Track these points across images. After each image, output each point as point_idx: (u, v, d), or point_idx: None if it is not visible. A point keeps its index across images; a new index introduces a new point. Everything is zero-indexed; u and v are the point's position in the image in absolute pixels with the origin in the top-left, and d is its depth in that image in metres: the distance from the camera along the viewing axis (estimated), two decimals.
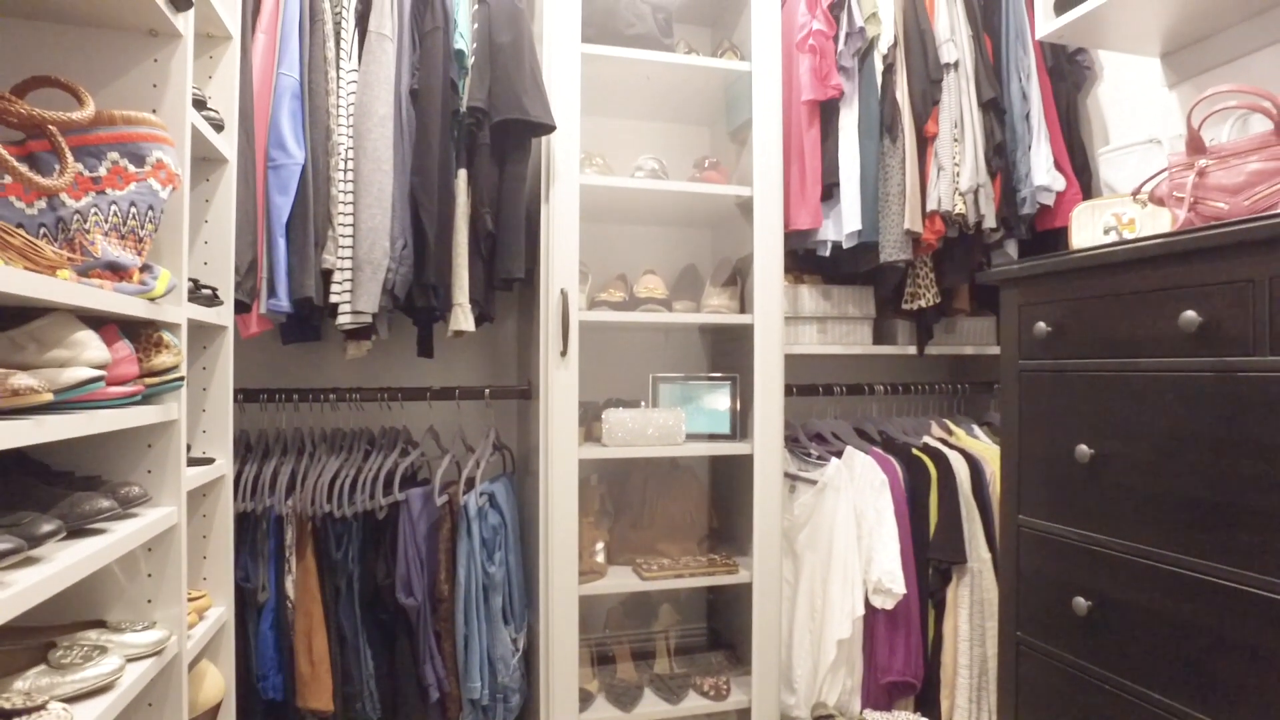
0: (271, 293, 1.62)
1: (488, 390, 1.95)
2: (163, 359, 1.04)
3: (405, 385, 1.96)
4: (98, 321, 0.93)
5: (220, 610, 1.34)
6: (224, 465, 1.37)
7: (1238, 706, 1.07)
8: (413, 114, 1.73)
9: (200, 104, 1.28)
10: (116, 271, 0.96)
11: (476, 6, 1.78)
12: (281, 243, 1.62)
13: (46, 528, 0.74)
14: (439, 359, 2.02)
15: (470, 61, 1.75)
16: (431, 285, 1.73)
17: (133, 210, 1.01)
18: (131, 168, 1.02)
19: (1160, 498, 1.20)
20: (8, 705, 0.73)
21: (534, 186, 1.82)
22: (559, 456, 1.75)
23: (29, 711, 0.73)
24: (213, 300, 1.32)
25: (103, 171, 1.00)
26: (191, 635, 1.18)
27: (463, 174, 1.76)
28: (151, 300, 1.02)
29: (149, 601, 1.10)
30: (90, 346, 0.83)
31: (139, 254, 1.02)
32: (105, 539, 0.89)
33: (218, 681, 1.30)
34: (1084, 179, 2.08)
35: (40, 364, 0.79)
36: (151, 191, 1.03)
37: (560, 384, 1.76)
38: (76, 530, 0.89)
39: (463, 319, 1.75)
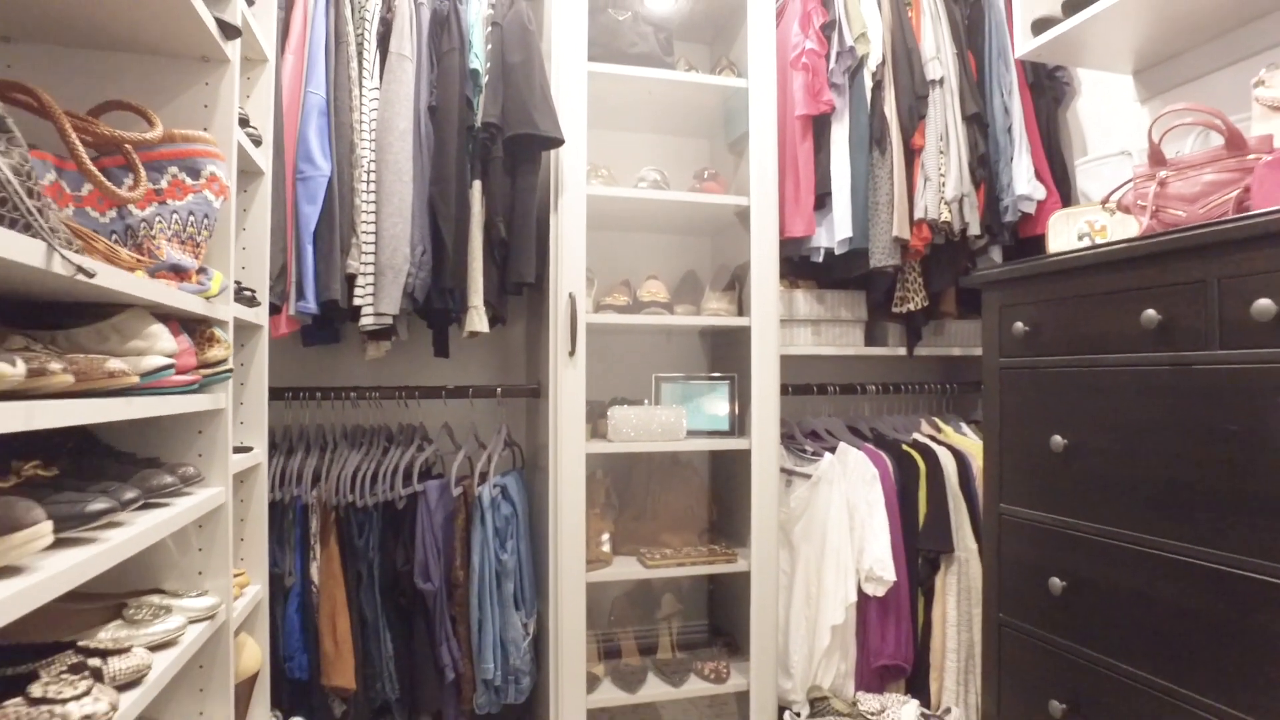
0: (300, 295, 1.72)
1: (500, 389, 2.05)
2: (215, 352, 1.15)
3: (421, 384, 2.06)
4: (162, 317, 1.04)
5: (257, 588, 1.44)
6: (260, 454, 1.47)
7: (1199, 673, 1.15)
8: (431, 129, 1.84)
9: (243, 122, 1.39)
10: (179, 273, 1.06)
11: (490, 28, 1.88)
12: (309, 249, 1.72)
13: (130, 495, 0.85)
14: (453, 359, 2.11)
15: (484, 80, 1.85)
16: (449, 289, 1.83)
17: (191, 218, 1.12)
18: (189, 180, 1.13)
19: (1126, 482, 1.28)
20: (100, 647, 0.84)
21: (544, 196, 1.92)
22: (567, 452, 1.85)
23: (119, 652, 0.84)
24: (252, 301, 1.43)
25: (164, 184, 1.11)
26: (235, 607, 1.28)
27: (477, 185, 1.87)
28: (207, 299, 1.13)
29: (200, 573, 1.21)
30: (163, 338, 0.94)
31: (196, 258, 1.13)
32: (170, 510, 1.00)
33: (255, 653, 1.40)
34: (1064, 189, 2.18)
35: (122, 352, 0.90)
36: (206, 201, 1.14)
37: (568, 383, 1.85)
38: (147, 502, 0.99)
39: (478, 321, 1.85)
